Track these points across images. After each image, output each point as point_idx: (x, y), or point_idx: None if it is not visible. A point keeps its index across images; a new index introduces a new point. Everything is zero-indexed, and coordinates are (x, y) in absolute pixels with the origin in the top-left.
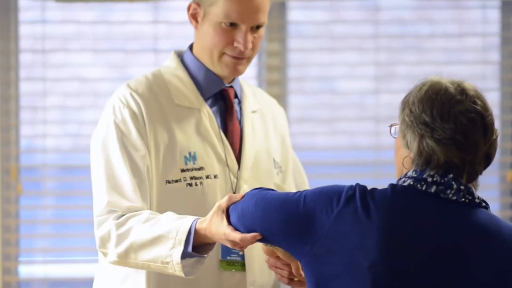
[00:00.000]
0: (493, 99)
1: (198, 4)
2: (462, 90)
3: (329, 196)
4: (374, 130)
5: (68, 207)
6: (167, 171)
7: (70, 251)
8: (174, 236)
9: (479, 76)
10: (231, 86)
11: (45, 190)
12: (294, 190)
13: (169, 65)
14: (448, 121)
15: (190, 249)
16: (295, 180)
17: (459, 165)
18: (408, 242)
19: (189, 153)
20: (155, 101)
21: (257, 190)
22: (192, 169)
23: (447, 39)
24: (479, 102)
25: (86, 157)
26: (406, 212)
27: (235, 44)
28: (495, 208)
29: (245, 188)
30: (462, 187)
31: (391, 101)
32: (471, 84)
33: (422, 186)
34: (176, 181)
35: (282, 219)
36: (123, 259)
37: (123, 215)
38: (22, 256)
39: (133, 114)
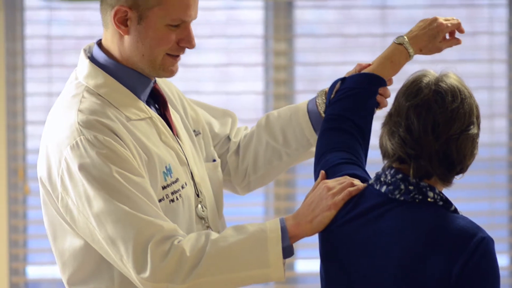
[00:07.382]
0: (500, 98)
1: (130, 8)
2: (428, 84)
3: None
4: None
5: None
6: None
7: None
8: (269, 235)
9: (487, 75)
10: (155, 82)
11: None
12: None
13: (96, 79)
14: (400, 114)
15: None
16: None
17: (406, 160)
18: (345, 239)
19: (166, 167)
20: (119, 124)
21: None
22: (171, 184)
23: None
24: (438, 98)
25: None
26: (354, 210)
27: (182, 44)
28: (504, 207)
29: (207, 189)
30: (411, 187)
31: None
32: (454, 78)
33: (377, 185)
34: (160, 200)
35: None
36: (201, 278)
37: (177, 239)
38: (30, 257)
39: (116, 141)
